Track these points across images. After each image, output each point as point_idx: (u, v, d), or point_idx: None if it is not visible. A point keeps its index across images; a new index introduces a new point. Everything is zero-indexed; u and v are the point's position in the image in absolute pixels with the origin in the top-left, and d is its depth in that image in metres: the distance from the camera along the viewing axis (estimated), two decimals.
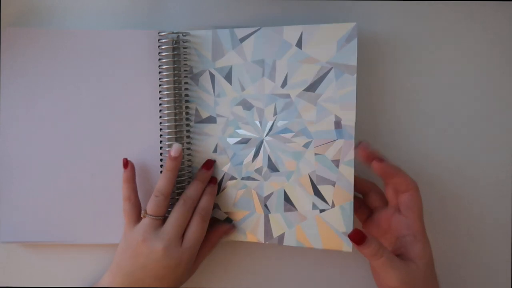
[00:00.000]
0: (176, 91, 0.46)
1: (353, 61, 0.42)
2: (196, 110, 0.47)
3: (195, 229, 0.43)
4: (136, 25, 0.47)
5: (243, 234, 0.47)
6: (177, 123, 0.46)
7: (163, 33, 0.45)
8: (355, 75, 0.42)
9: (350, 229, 0.43)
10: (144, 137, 0.46)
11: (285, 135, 0.45)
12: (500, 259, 0.47)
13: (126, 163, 0.45)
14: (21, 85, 0.46)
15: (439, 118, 0.47)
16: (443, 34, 0.46)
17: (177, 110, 0.46)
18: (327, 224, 0.44)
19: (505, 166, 0.46)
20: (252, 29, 0.45)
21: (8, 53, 0.46)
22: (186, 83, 0.47)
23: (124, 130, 0.47)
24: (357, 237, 0.39)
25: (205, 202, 0.45)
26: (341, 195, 0.43)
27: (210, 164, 0.46)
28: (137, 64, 0.46)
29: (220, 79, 0.46)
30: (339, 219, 0.44)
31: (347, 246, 0.43)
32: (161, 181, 0.44)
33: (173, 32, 0.45)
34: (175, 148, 0.44)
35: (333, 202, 0.44)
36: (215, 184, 0.46)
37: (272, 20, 0.47)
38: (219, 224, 0.46)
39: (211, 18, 0.47)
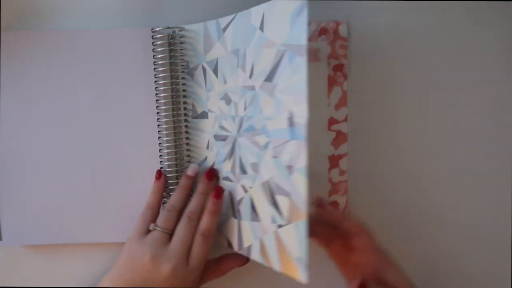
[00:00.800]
0: (173, 87, 0.46)
1: (303, 40, 0.33)
2: (193, 105, 0.46)
3: (199, 250, 0.41)
4: (134, 23, 0.48)
5: (224, 238, 0.43)
6: (175, 119, 0.46)
7: (156, 29, 0.45)
8: (305, 57, 0.33)
9: (305, 255, 0.34)
10: (142, 134, 0.47)
11: (251, 133, 0.39)
12: (500, 259, 0.47)
13: (160, 175, 0.46)
14: (19, 86, 0.47)
15: (435, 114, 0.46)
16: (439, 30, 0.46)
17: (174, 106, 0.46)
18: (283, 244, 0.36)
19: (505, 164, 0.46)
20: (231, 17, 0.41)
21: (6, 55, 0.47)
22: (183, 78, 0.46)
23: (123, 129, 0.47)
24: None
25: (208, 223, 0.41)
26: (295, 210, 0.35)
27: (211, 173, 0.44)
28: (134, 62, 0.47)
29: (210, 73, 0.44)
30: (294, 240, 0.35)
31: (303, 275, 0.34)
32: (175, 197, 0.43)
33: (168, 27, 0.45)
34: (191, 168, 0.44)
35: (289, 218, 0.35)
36: (219, 198, 0.42)
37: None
38: (235, 255, 0.44)
39: (207, 12, 0.45)
